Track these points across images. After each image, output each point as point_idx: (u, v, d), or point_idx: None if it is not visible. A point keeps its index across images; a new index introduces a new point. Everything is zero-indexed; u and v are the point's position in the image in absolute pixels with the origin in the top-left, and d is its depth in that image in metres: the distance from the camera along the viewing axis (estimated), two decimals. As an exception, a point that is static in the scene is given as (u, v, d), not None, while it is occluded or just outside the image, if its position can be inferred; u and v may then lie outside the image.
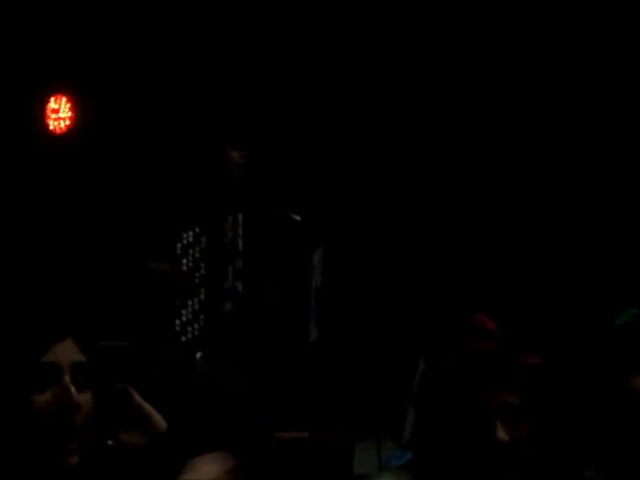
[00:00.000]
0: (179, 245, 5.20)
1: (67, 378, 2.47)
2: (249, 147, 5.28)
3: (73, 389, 2.44)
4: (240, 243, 5.27)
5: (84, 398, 2.48)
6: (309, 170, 6.55)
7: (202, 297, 5.21)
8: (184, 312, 5.18)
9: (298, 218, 5.33)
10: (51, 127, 6.55)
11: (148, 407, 2.65)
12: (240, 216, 5.28)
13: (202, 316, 5.18)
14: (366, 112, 6.57)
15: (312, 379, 5.52)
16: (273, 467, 4.74)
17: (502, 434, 2.57)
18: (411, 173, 6.58)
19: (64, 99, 6.54)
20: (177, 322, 5.15)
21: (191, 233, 5.22)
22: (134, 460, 2.60)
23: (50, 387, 2.46)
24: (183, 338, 5.15)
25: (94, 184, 6.24)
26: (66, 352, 2.51)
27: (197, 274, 5.23)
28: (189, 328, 5.18)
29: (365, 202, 6.58)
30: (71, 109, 6.55)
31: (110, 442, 2.61)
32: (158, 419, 2.68)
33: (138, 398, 2.64)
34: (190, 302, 5.20)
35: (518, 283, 6.33)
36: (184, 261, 5.21)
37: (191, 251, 5.22)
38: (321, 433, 5.37)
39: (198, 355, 5.11)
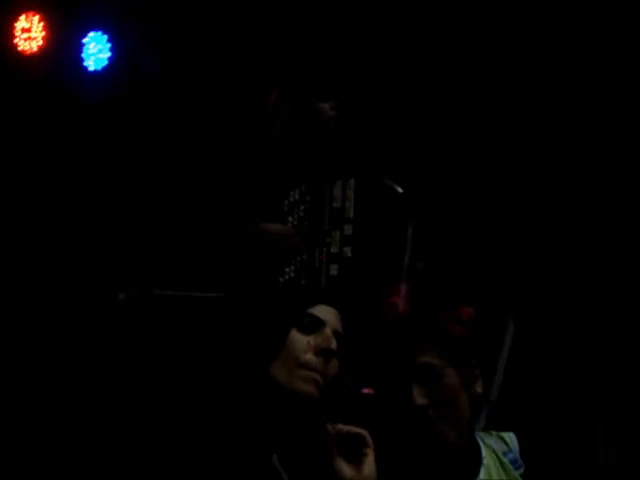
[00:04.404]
0: (286, 202, 5.17)
1: (329, 331, 3.13)
2: (341, 98, 5.17)
3: (334, 340, 3.12)
4: (351, 209, 5.20)
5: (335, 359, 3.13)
6: (415, 141, 6.47)
7: (305, 257, 5.18)
8: (287, 270, 5.15)
9: (400, 190, 5.27)
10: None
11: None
12: (352, 182, 5.21)
13: (304, 276, 5.16)
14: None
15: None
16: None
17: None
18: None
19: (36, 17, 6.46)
20: (281, 280, 5.13)
21: (297, 191, 5.18)
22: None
23: (313, 333, 3.12)
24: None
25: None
26: (332, 318, 3.19)
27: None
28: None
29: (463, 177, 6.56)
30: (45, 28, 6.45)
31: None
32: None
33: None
34: (294, 261, 5.17)
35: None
36: (290, 219, 5.18)
37: (297, 209, 5.18)
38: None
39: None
